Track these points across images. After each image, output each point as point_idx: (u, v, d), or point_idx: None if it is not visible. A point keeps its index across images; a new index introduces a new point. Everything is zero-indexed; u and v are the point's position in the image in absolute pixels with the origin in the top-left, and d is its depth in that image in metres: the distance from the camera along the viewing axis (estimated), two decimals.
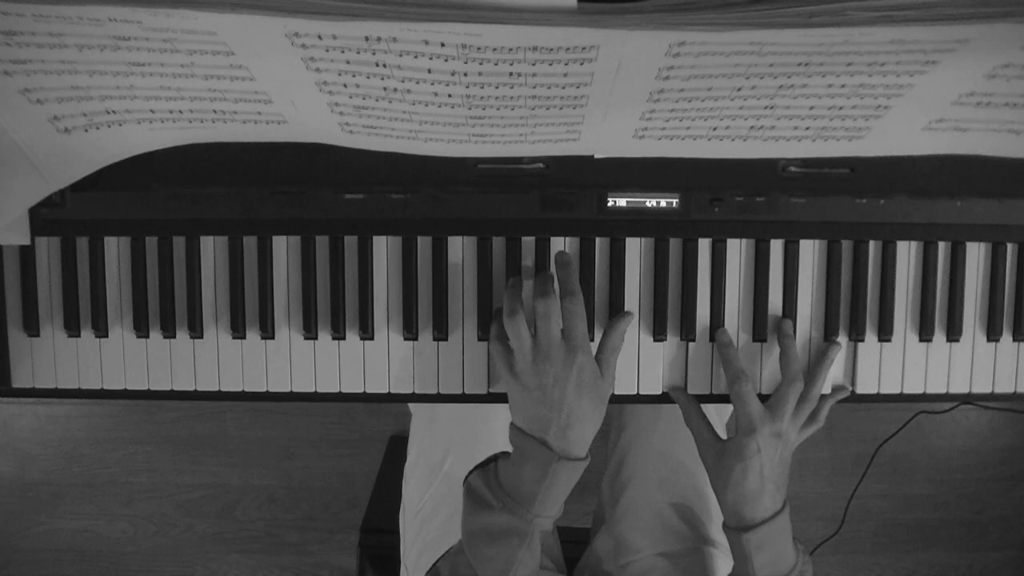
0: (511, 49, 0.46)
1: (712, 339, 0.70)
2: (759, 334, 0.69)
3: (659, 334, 0.69)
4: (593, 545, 0.85)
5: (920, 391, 0.71)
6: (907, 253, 0.69)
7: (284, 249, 0.69)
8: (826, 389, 0.70)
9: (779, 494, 0.66)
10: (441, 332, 0.69)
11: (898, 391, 0.71)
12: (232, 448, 1.63)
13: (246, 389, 0.70)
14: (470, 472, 0.68)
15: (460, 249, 0.69)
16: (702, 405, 0.71)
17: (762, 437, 0.65)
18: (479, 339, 0.70)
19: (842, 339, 0.70)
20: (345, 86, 0.52)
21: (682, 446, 0.85)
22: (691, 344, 0.70)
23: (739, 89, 0.52)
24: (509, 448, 0.66)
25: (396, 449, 1.51)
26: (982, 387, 0.71)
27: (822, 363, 0.69)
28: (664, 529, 0.81)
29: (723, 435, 0.69)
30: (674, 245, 0.69)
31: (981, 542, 1.68)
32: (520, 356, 0.63)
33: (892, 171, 0.66)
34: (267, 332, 0.69)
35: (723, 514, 0.68)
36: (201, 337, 0.70)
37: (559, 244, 0.69)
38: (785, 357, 0.68)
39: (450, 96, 0.51)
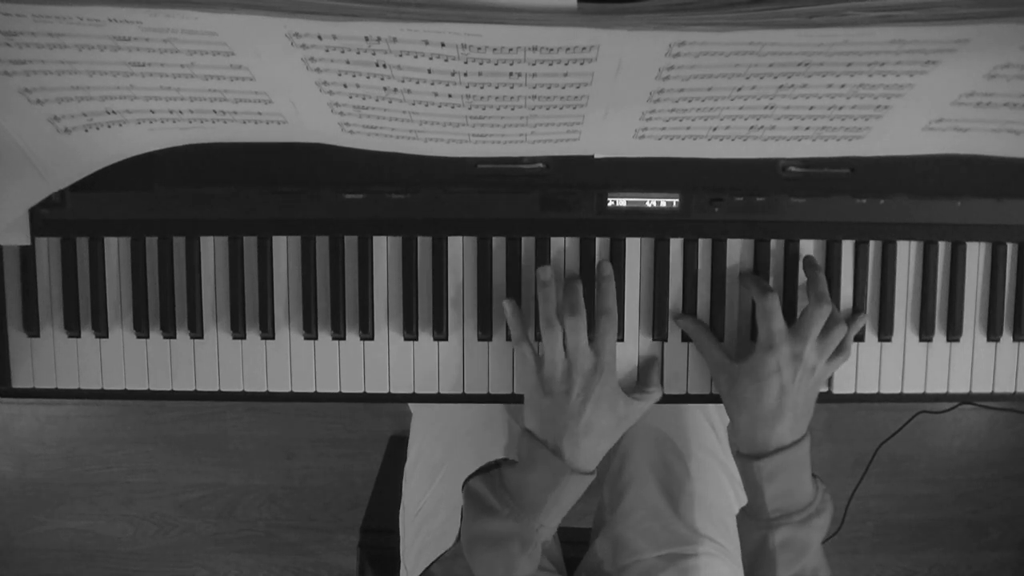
0: (511, 49, 0.46)
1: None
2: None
3: (659, 334, 0.69)
4: (594, 547, 0.85)
5: (920, 391, 0.71)
6: (907, 253, 0.69)
7: (284, 249, 0.69)
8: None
9: (798, 424, 0.63)
10: (441, 332, 0.69)
11: (898, 391, 0.71)
12: (232, 448, 1.63)
13: (246, 389, 0.70)
14: (470, 476, 0.68)
15: (460, 249, 0.69)
16: (706, 406, 0.70)
17: (781, 356, 0.62)
18: (479, 339, 0.70)
19: None
20: (345, 86, 0.52)
21: (683, 448, 0.85)
22: (691, 344, 0.70)
23: (739, 89, 0.52)
24: (509, 448, 0.66)
25: (396, 449, 1.51)
26: (982, 387, 0.71)
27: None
28: (665, 531, 0.80)
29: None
30: (674, 245, 0.69)
31: (981, 542, 1.68)
32: (550, 364, 0.63)
33: (892, 171, 0.66)
34: (267, 332, 0.69)
35: (736, 441, 0.66)
36: (201, 337, 0.70)
37: (559, 244, 0.69)
38: (813, 283, 0.65)
39: (450, 96, 0.51)
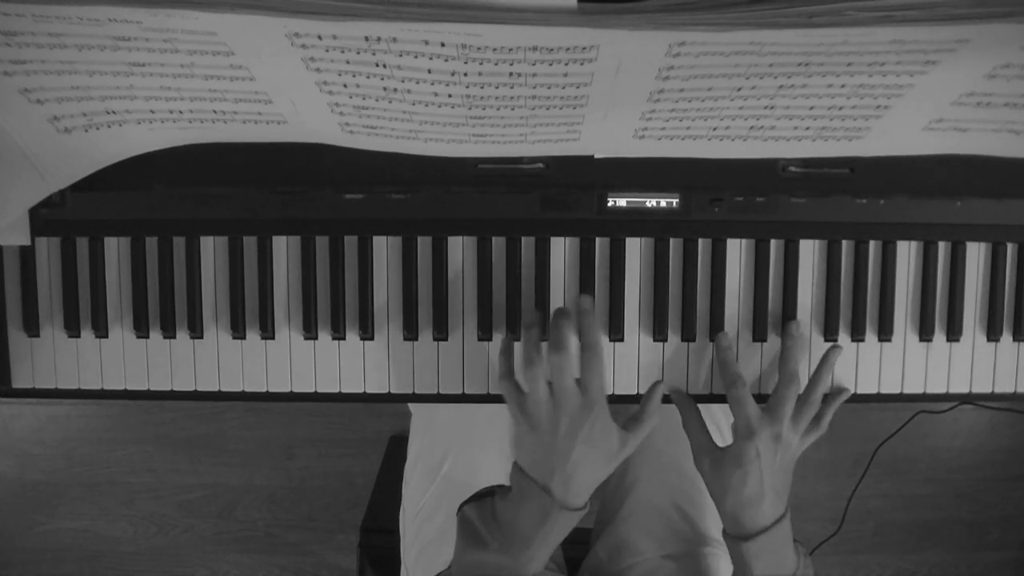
0: (511, 49, 0.46)
1: (712, 339, 0.69)
2: (759, 334, 0.69)
3: (659, 334, 0.69)
4: (596, 547, 0.85)
5: (920, 391, 0.71)
6: (907, 253, 0.69)
7: (284, 249, 0.69)
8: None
9: (779, 501, 0.65)
10: (441, 332, 0.69)
11: (898, 391, 0.71)
12: (232, 448, 1.63)
13: (246, 389, 0.70)
14: (465, 503, 0.68)
15: (460, 249, 0.69)
16: (709, 406, 0.70)
17: (761, 441, 0.64)
18: (479, 339, 0.70)
19: (843, 339, 0.70)
20: (345, 86, 0.52)
21: (686, 446, 0.85)
22: (691, 344, 0.70)
23: (739, 89, 0.52)
24: (507, 450, 0.66)
25: (396, 449, 1.51)
26: (982, 387, 0.71)
27: (823, 367, 0.68)
28: (668, 531, 0.81)
29: (729, 436, 0.69)
30: (674, 245, 0.69)
31: (981, 542, 1.68)
32: (533, 402, 0.62)
33: (892, 171, 0.66)
34: (267, 332, 0.69)
35: (722, 521, 0.68)
36: (201, 337, 0.70)
37: (559, 244, 0.69)
38: (784, 357, 0.67)
39: (450, 96, 0.51)
